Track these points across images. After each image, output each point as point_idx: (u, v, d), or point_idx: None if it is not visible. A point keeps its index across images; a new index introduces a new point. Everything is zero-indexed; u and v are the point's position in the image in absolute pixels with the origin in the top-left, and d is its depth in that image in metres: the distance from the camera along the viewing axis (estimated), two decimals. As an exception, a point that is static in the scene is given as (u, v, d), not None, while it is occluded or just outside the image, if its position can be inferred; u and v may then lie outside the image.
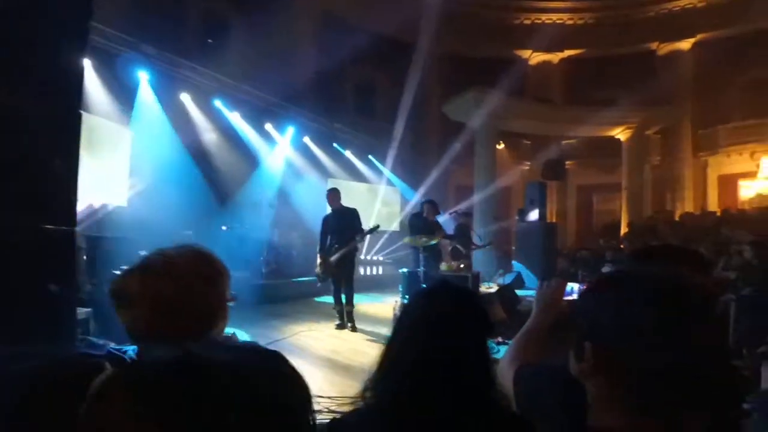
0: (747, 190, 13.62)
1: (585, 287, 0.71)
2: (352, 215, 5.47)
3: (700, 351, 0.55)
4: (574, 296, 1.24)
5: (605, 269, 8.27)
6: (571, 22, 15.72)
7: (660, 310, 0.57)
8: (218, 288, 0.95)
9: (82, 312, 3.23)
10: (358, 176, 12.14)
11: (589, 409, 0.65)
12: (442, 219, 7.21)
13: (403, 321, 1.02)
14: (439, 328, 0.95)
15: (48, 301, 2.38)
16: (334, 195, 5.54)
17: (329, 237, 5.43)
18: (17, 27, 2.21)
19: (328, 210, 5.70)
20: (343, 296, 5.36)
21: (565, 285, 1.23)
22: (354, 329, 5.30)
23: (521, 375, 1.05)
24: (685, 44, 14.80)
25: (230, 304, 0.98)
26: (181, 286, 0.89)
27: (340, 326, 5.36)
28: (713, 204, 14.03)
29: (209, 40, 11.54)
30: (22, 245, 2.27)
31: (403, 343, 0.98)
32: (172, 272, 0.89)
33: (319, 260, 5.45)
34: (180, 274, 0.90)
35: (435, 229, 6.12)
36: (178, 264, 0.91)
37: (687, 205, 14.35)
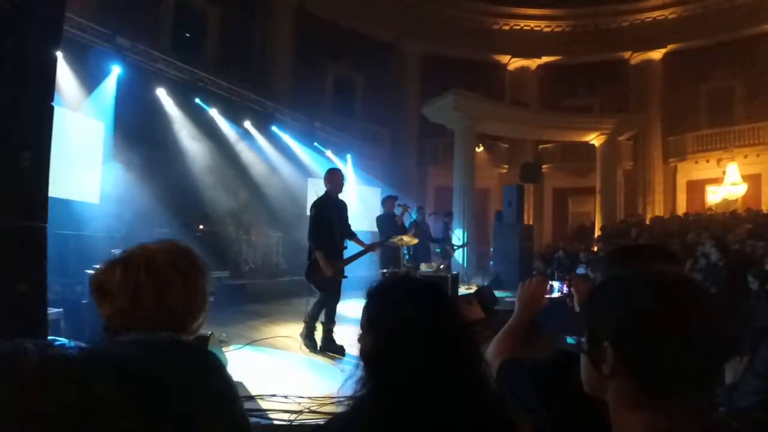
0: (714, 195, 14.20)
1: (591, 292, 0.73)
2: (346, 209, 4.44)
3: (714, 332, 0.61)
4: (556, 294, 1.28)
5: (580, 270, 8.49)
6: (548, 29, 16.08)
7: (671, 301, 0.62)
8: (197, 281, 0.96)
9: (52, 312, 3.12)
10: (338, 176, 12.07)
11: (613, 416, 0.66)
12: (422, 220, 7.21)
13: (374, 320, 0.97)
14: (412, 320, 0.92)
15: (17, 301, 2.29)
16: (341, 178, 4.33)
17: (331, 231, 4.16)
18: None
19: (312, 194, 4.82)
20: (324, 311, 4.20)
21: (546, 283, 1.26)
22: (342, 352, 4.12)
23: (504, 370, 1.07)
24: (656, 54, 15.33)
25: (210, 299, 0.99)
26: (160, 278, 0.90)
27: (313, 347, 4.22)
28: (682, 208, 14.58)
29: (187, 35, 11.31)
30: (-12, 242, 2.18)
31: (380, 340, 0.94)
32: (150, 264, 0.91)
33: (323, 260, 4.04)
34: (158, 266, 0.91)
35: (397, 227, 6.02)
36: (157, 256, 0.93)
37: (657, 208, 14.86)
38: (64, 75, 6.41)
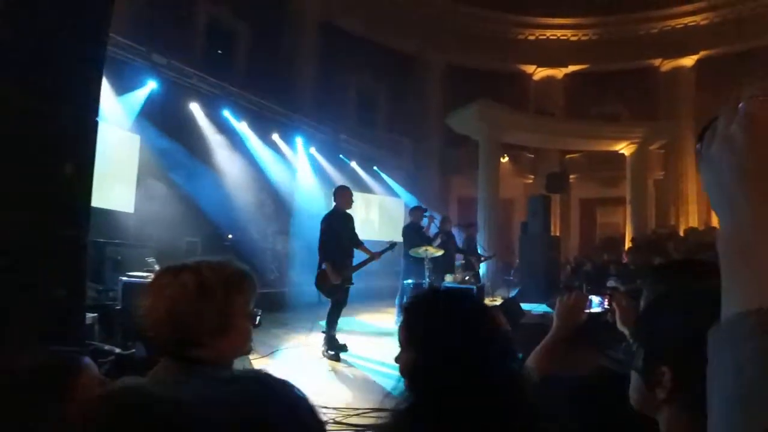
0: (750, 207, 13.58)
1: (646, 308, 0.68)
2: (353, 221, 4.85)
3: None
4: (596, 309, 1.24)
5: (610, 283, 8.22)
6: (575, 38, 15.88)
7: None
8: (223, 301, 0.94)
9: (87, 317, 3.23)
10: (363, 187, 12.16)
11: None
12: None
13: (413, 330, 0.97)
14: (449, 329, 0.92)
15: (56, 305, 2.38)
16: (350, 196, 4.77)
17: (340, 243, 4.57)
18: (40, 32, 2.24)
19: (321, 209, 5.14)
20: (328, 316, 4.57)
21: (585, 298, 1.23)
22: (344, 349, 4.58)
23: (543, 386, 1.05)
24: (688, 61, 14.92)
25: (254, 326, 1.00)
26: (178, 290, 0.92)
27: (336, 357, 4.42)
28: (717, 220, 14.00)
29: (219, 51, 11.69)
30: (32, 248, 2.28)
31: (419, 350, 0.93)
32: (177, 275, 0.93)
33: (331, 270, 4.44)
34: (183, 278, 0.93)
35: (423, 237, 6.09)
36: (188, 270, 0.94)
37: (691, 220, 14.31)
38: (103, 90, 6.70)
